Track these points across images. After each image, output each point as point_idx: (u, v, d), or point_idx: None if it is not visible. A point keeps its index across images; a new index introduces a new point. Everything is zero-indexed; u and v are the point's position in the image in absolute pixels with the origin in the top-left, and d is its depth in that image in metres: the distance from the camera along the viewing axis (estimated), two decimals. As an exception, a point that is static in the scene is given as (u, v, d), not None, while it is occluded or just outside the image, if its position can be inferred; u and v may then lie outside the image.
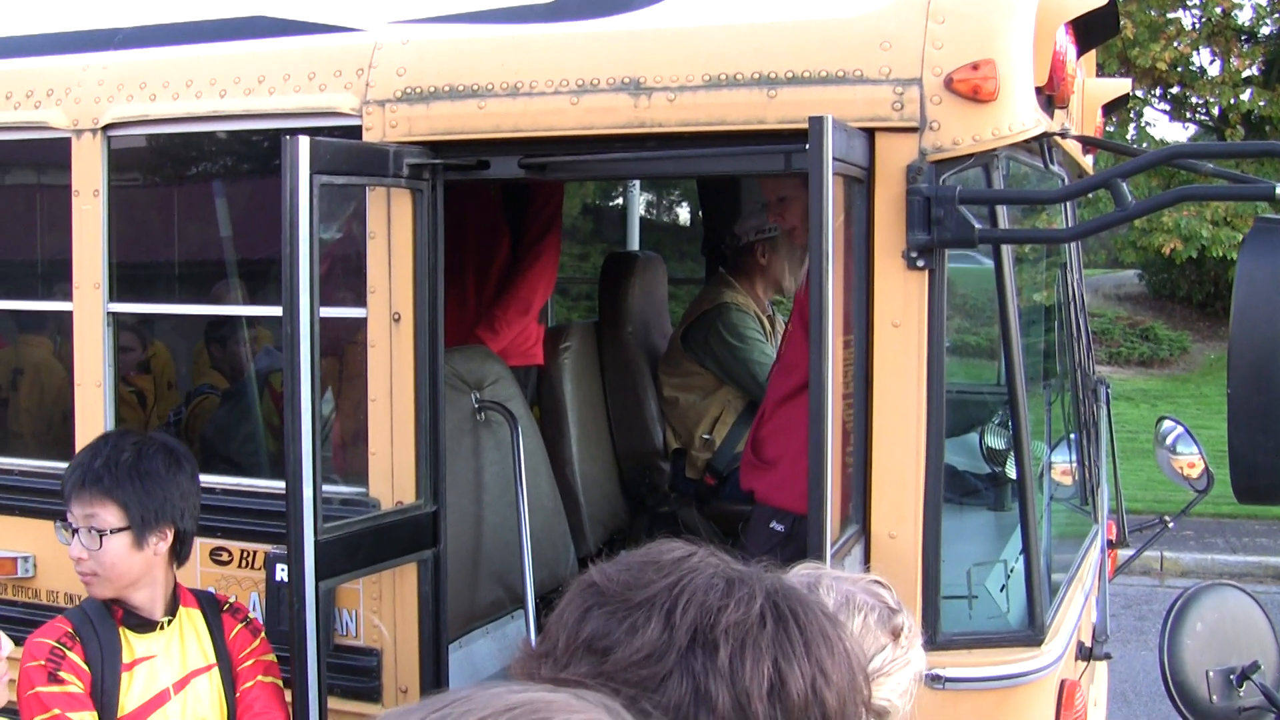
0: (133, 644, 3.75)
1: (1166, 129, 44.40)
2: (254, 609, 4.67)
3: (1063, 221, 5.51)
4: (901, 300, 3.83)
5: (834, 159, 3.44)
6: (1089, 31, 4.61)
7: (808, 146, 3.43)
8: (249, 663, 3.92)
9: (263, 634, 4.02)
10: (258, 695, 3.91)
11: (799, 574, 2.32)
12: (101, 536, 3.69)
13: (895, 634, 2.24)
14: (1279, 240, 3.44)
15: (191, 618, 3.89)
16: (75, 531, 3.71)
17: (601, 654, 1.58)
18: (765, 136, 3.96)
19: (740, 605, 1.57)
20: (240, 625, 3.96)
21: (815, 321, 3.50)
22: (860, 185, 3.81)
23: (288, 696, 3.98)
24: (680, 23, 4.09)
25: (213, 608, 3.94)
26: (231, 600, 4.03)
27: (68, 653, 3.63)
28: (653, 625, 1.57)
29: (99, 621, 3.73)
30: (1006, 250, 3.99)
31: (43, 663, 3.60)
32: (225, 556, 4.66)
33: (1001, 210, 3.98)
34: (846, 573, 2.39)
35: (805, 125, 3.45)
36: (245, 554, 4.69)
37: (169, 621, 3.82)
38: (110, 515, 3.70)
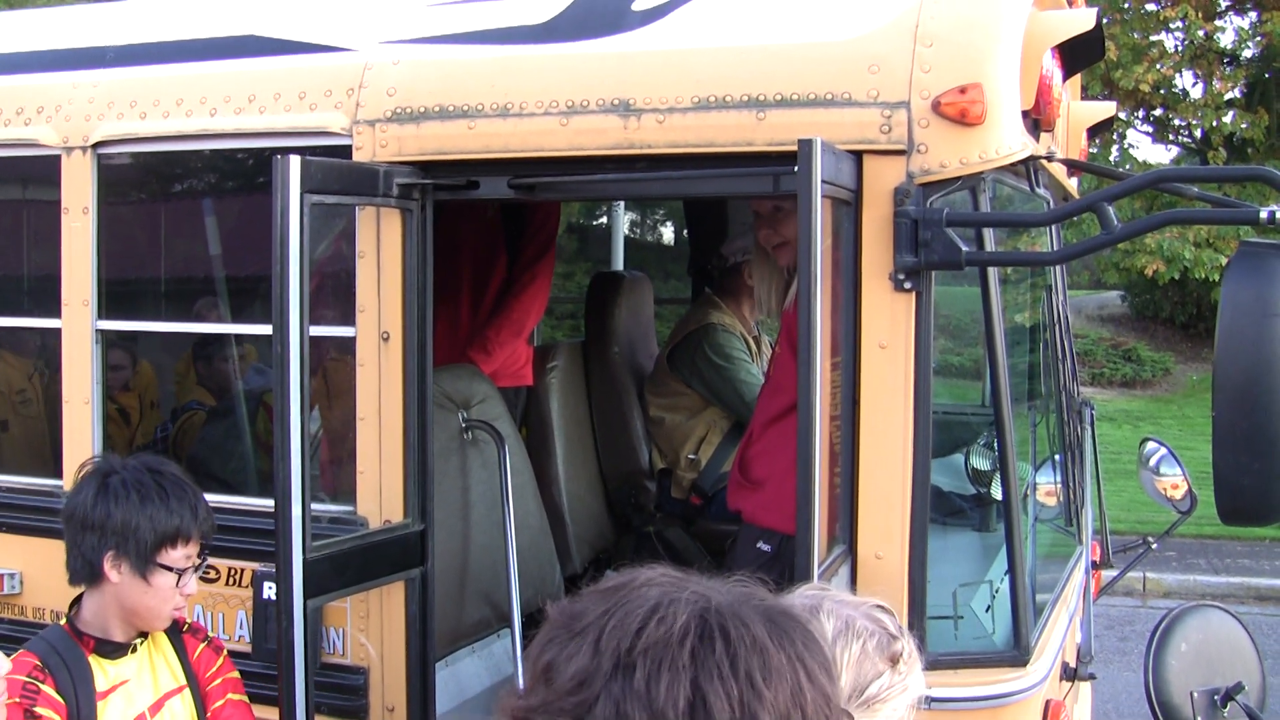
0: (106, 670, 3.73)
1: (1149, 151, 44.55)
2: (241, 627, 4.68)
3: (1047, 244, 5.54)
4: (889, 322, 3.85)
5: (823, 181, 3.45)
6: (1075, 55, 4.65)
7: (796, 169, 3.44)
8: (217, 682, 3.92)
9: (225, 652, 4.02)
10: (230, 714, 3.91)
11: (803, 595, 2.33)
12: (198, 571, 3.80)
13: (894, 660, 2.25)
14: (1263, 264, 3.47)
15: (158, 640, 3.87)
16: (182, 573, 3.72)
17: (549, 684, 1.60)
18: (754, 158, 3.97)
19: (661, 624, 1.56)
20: (203, 645, 3.95)
21: (804, 343, 3.52)
22: (848, 207, 3.82)
23: (274, 715, 3.97)
24: (670, 45, 4.11)
25: (174, 629, 3.91)
26: (190, 621, 4.00)
27: (41, 686, 3.59)
28: (583, 652, 1.58)
29: (66, 651, 3.70)
30: (993, 272, 4.02)
31: (17, 699, 3.54)
32: (212, 574, 4.65)
33: (988, 232, 4.01)
34: (850, 596, 2.40)
35: (794, 148, 3.46)
36: (233, 572, 4.69)
37: (140, 643, 3.81)
38: (197, 547, 3.77)
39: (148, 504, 3.68)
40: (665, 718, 1.51)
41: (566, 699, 1.56)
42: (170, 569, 3.68)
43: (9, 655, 3.69)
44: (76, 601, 3.80)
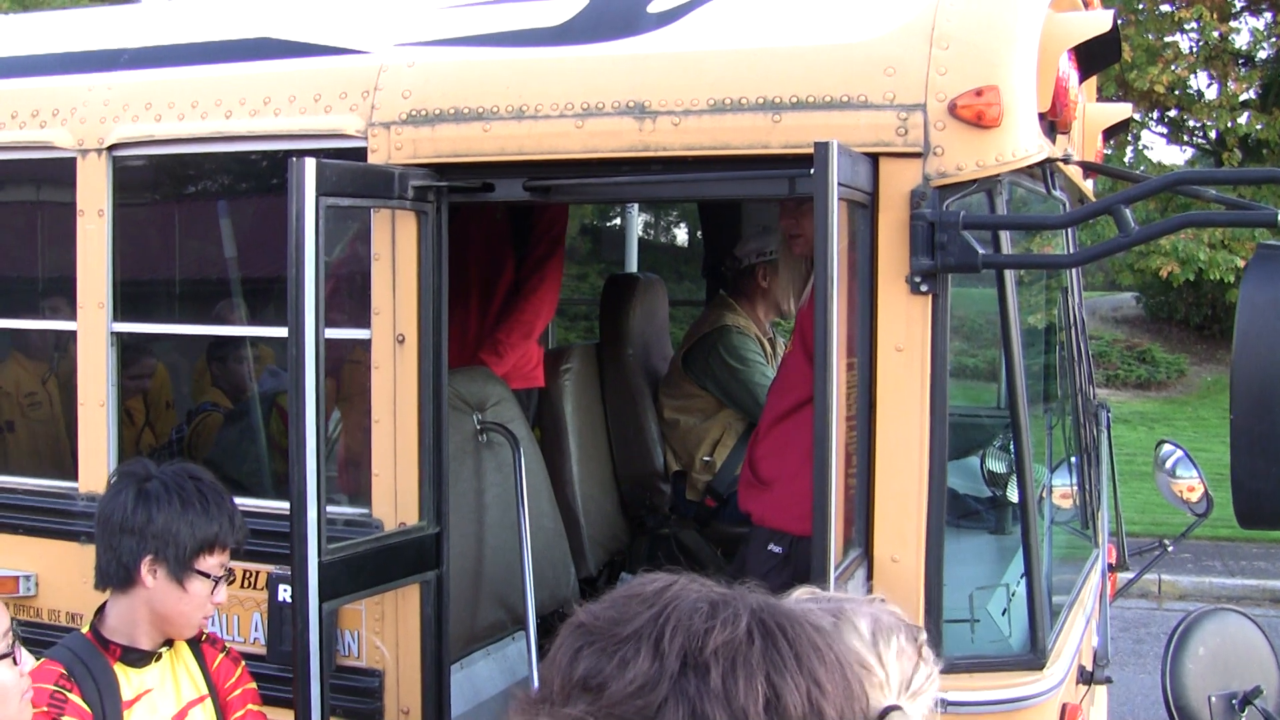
0: (131, 679, 3.72)
1: (1164, 152, 44.45)
2: (255, 629, 4.68)
3: (1063, 246, 5.52)
4: (905, 325, 3.84)
5: (839, 184, 3.44)
6: (1091, 57, 4.63)
7: (813, 171, 3.44)
8: (236, 693, 3.91)
9: (243, 663, 4.01)
10: None
11: (813, 601, 2.30)
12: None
13: (920, 649, 2.24)
14: (1280, 267, 3.46)
15: (179, 650, 3.86)
16: (218, 580, 3.76)
17: (596, 691, 1.58)
18: (769, 161, 3.96)
19: (727, 625, 1.57)
20: (221, 655, 3.95)
21: (820, 345, 3.51)
22: (864, 210, 3.82)
23: (289, 718, 3.97)
24: (685, 47, 4.11)
25: (193, 639, 3.91)
26: (207, 631, 4.00)
27: (69, 695, 3.58)
28: (642, 656, 1.57)
29: (90, 660, 3.68)
30: (1009, 275, 4.01)
31: (45, 709, 3.52)
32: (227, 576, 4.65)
33: (1005, 235, 4.00)
34: (854, 595, 2.39)
35: (809, 150, 3.46)
36: (248, 574, 4.69)
37: (164, 652, 3.81)
38: (228, 556, 3.81)
39: (189, 510, 3.70)
40: (745, 714, 1.52)
41: (628, 703, 1.55)
42: (207, 575, 3.70)
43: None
44: (100, 610, 3.80)
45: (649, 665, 1.56)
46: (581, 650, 1.62)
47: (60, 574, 4.99)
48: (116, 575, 3.71)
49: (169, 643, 3.81)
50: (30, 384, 5.67)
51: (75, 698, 3.59)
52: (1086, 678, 4.73)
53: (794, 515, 4.48)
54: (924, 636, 2.29)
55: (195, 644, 3.91)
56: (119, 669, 3.71)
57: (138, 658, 3.74)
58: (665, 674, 1.55)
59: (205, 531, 3.69)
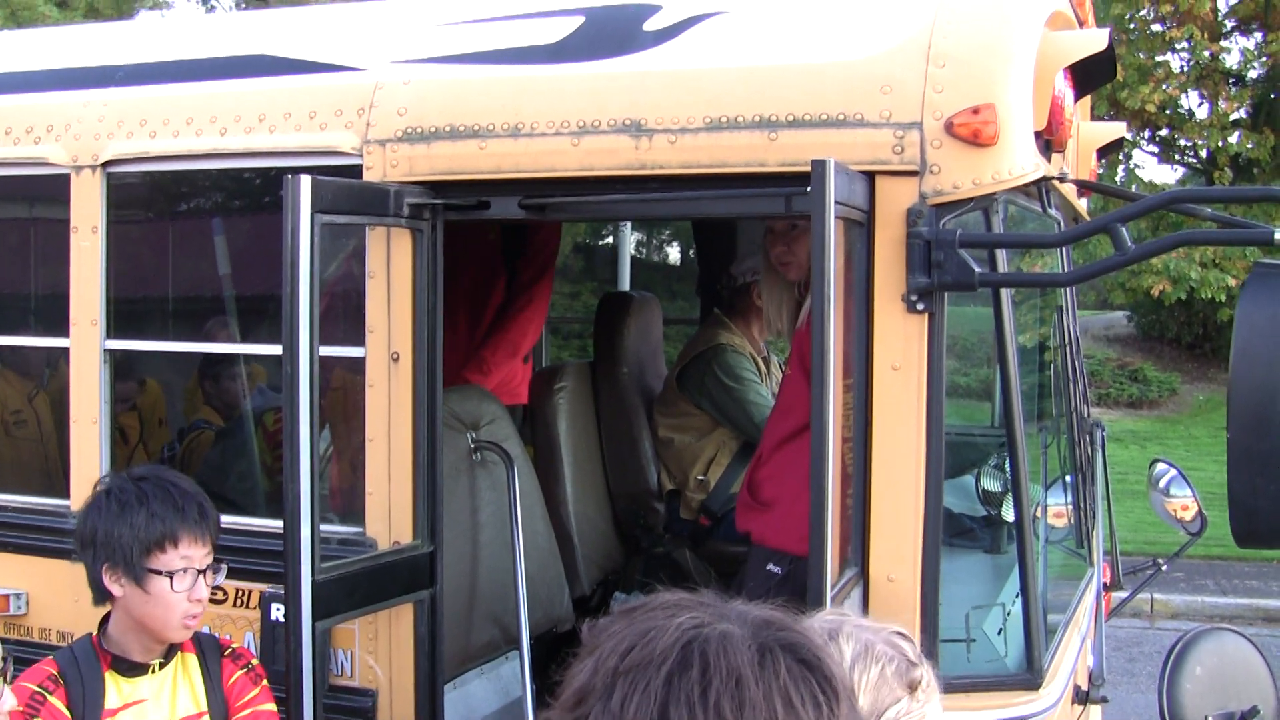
0: (121, 688, 3.69)
1: (1155, 171, 44.59)
2: (249, 648, 4.65)
3: (1057, 264, 5.52)
4: (901, 343, 3.83)
5: (836, 202, 3.44)
6: (1087, 76, 4.64)
7: (809, 189, 3.43)
8: (245, 713, 3.83)
9: (264, 682, 3.92)
10: None
11: (822, 620, 2.30)
12: (213, 572, 3.75)
13: (912, 687, 2.22)
14: (1278, 285, 3.45)
15: (187, 663, 3.82)
16: (174, 575, 3.65)
17: (560, 697, 1.60)
18: (766, 179, 3.96)
19: (646, 647, 1.56)
20: (241, 672, 3.87)
21: (817, 364, 3.50)
22: (860, 228, 3.81)
23: (283, 737, 3.95)
24: (682, 65, 4.11)
25: (214, 652, 3.86)
26: (234, 646, 3.96)
27: (49, 697, 3.56)
28: (585, 668, 1.58)
29: (85, 664, 3.67)
30: (1005, 293, 4.00)
31: (21, 708, 3.52)
32: (220, 595, 4.63)
33: (1001, 253, 3.99)
34: (870, 621, 2.37)
35: (806, 168, 3.45)
36: (240, 593, 4.67)
37: (161, 665, 3.76)
38: (208, 549, 3.73)
39: (128, 511, 3.65)
40: None
41: (566, 715, 1.56)
42: (159, 572, 3.64)
43: (20, 672, 3.68)
44: (107, 615, 3.79)
45: (586, 679, 1.57)
46: (575, 657, 1.64)
47: (51, 592, 4.96)
48: (97, 591, 3.71)
49: (170, 654, 3.78)
50: (16, 401, 5.64)
51: (55, 701, 3.58)
52: (1082, 697, 4.72)
53: (794, 536, 4.47)
54: (921, 674, 2.25)
55: (215, 658, 3.86)
56: (110, 677, 3.69)
57: (128, 667, 3.71)
58: (594, 690, 1.55)
59: (149, 530, 3.62)
